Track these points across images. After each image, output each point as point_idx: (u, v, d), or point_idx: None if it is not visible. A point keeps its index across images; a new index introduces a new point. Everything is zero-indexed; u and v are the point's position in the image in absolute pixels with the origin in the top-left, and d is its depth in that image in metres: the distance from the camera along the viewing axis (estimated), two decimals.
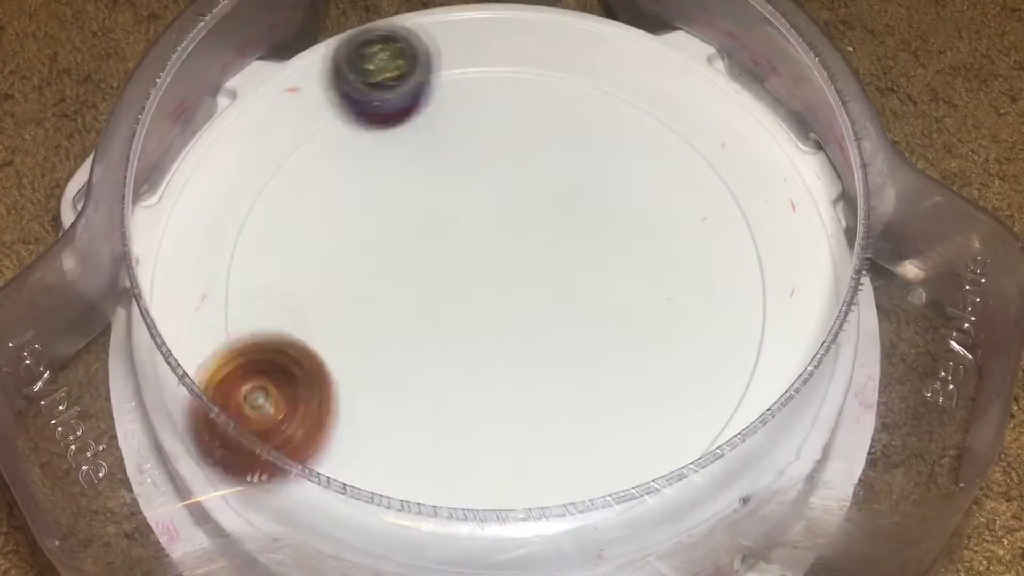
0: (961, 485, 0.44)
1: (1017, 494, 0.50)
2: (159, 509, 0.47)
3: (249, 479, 0.42)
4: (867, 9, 0.64)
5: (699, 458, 0.41)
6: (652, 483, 0.40)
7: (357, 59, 0.52)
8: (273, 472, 0.42)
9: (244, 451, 0.41)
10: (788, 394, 0.42)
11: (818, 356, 0.43)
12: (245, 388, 0.44)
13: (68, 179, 0.55)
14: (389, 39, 0.52)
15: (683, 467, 0.41)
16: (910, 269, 0.49)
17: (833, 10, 0.64)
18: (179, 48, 0.50)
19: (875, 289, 0.51)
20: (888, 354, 0.51)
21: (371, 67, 0.52)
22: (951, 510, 0.45)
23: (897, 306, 0.52)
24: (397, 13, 0.62)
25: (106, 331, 0.51)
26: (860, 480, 0.47)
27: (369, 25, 0.53)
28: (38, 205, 0.57)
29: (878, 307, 0.52)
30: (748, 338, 0.47)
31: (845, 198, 0.51)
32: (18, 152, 0.58)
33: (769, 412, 0.42)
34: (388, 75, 0.52)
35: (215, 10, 0.51)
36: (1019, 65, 0.62)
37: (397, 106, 0.52)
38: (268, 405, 0.43)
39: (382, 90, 0.52)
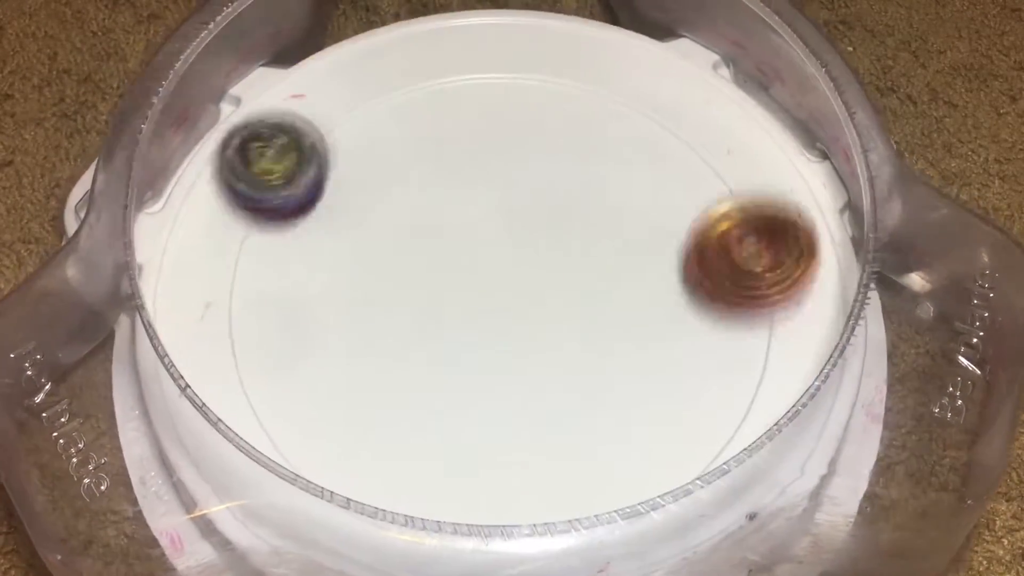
0: (970, 502, 0.43)
1: (1017, 494, 0.50)
2: (163, 521, 0.46)
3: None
4: (867, 9, 0.64)
5: (705, 474, 0.41)
6: (658, 499, 0.40)
7: (242, 159, 0.49)
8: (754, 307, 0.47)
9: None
10: (795, 409, 0.42)
11: (825, 371, 0.43)
12: (748, 240, 0.48)
13: (69, 181, 0.55)
14: (274, 135, 0.49)
15: (689, 483, 0.41)
16: (917, 281, 0.49)
17: (833, 10, 0.64)
18: (183, 55, 0.49)
19: (882, 302, 0.51)
20: (895, 368, 0.51)
21: (257, 168, 0.49)
22: (958, 526, 0.44)
23: (904, 320, 0.51)
24: (397, 15, 0.62)
25: (109, 339, 0.50)
26: (866, 495, 0.47)
27: (251, 117, 0.50)
28: (38, 205, 0.57)
29: (885, 320, 0.51)
30: (753, 350, 0.47)
31: (851, 207, 0.51)
32: (18, 152, 0.58)
33: (776, 427, 0.42)
34: (275, 176, 0.49)
35: (219, 17, 0.50)
36: (1019, 65, 0.62)
37: (288, 205, 0.50)
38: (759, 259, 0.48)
39: (271, 191, 0.49)
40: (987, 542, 0.49)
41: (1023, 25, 0.64)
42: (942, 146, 0.60)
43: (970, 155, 0.59)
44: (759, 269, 0.47)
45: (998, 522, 0.50)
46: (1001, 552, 0.49)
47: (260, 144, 0.49)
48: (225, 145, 0.49)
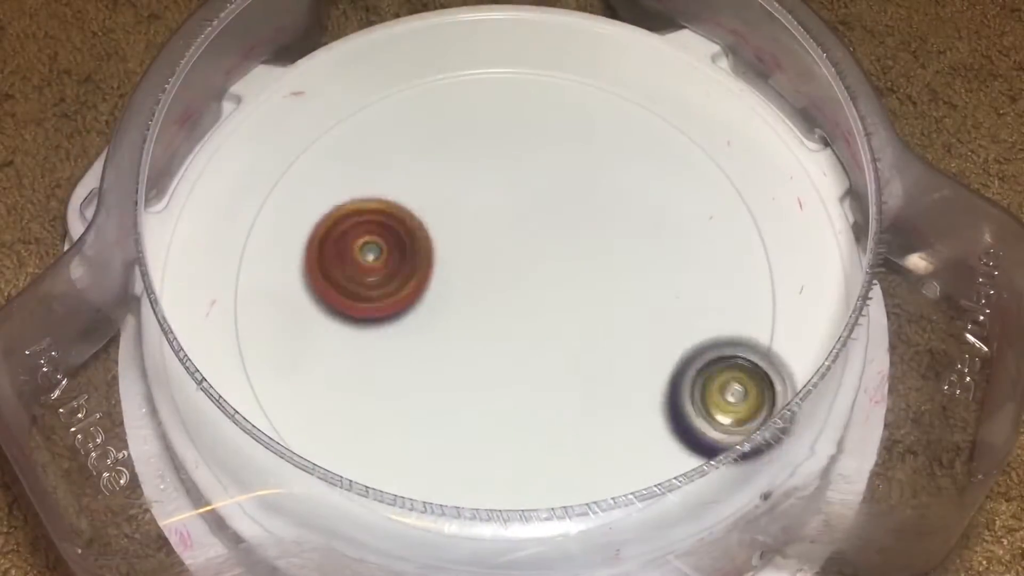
0: (980, 477, 0.44)
1: (1017, 494, 0.50)
2: (172, 517, 0.46)
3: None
4: (867, 9, 0.64)
5: (721, 454, 0.41)
6: (674, 480, 0.40)
7: (700, 382, 0.46)
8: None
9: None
10: (806, 389, 0.42)
11: (835, 351, 0.43)
12: (361, 240, 0.48)
13: (69, 181, 0.55)
14: (745, 366, 0.46)
15: (704, 464, 0.41)
16: (919, 262, 0.49)
17: (833, 10, 0.64)
18: (187, 54, 0.49)
19: (885, 285, 0.51)
20: (901, 348, 0.51)
21: (714, 400, 0.46)
22: (967, 502, 0.45)
23: (907, 300, 0.52)
24: (397, 14, 0.62)
25: (115, 338, 0.50)
26: (876, 473, 0.47)
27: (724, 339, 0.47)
28: (38, 205, 0.56)
29: (887, 302, 0.52)
30: (758, 336, 0.48)
31: (852, 194, 0.51)
32: (18, 152, 0.58)
33: (788, 407, 0.42)
34: (729, 416, 0.45)
35: (221, 15, 0.51)
36: (1019, 65, 0.62)
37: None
38: (376, 259, 0.48)
39: (720, 428, 0.45)
40: (987, 542, 0.49)
41: (1023, 25, 0.64)
42: (942, 146, 0.60)
43: (970, 155, 0.60)
44: (372, 278, 0.48)
45: (998, 522, 0.50)
46: (1001, 552, 0.49)
47: (725, 375, 0.46)
48: (686, 359, 0.47)
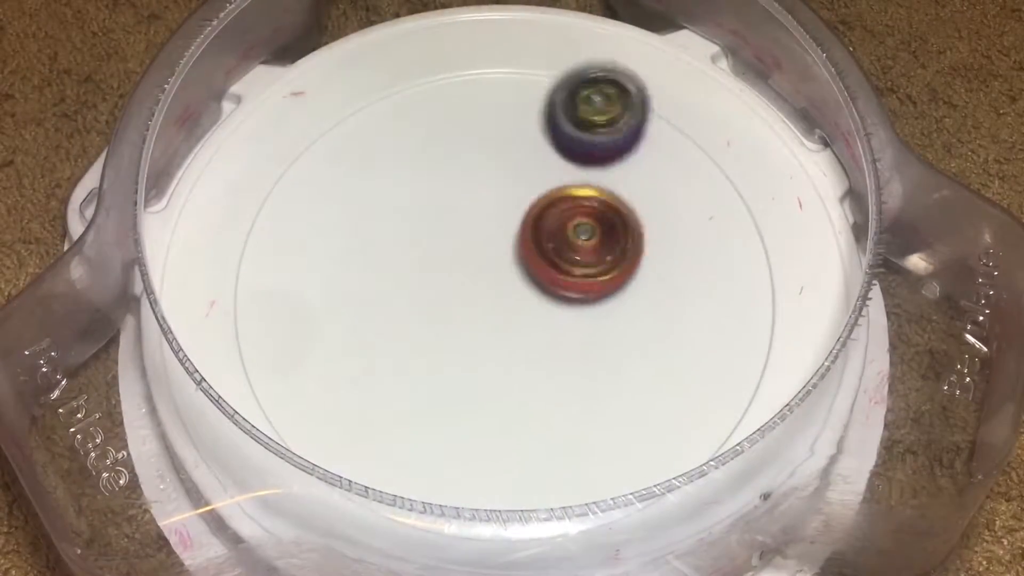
0: (979, 477, 0.44)
1: (1017, 494, 0.50)
2: (172, 517, 0.46)
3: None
4: (867, 9, 0.64)
5: (720, 455, 0.41)
6: (673, 480, 0.40)
7: (571, 102, 0.51)
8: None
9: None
10: (806, 389, 0.42)
11: (835, 351, 0.43)
12: (576, 220, 0.49)
13: (69, 181, 0.55)
14: (605, 81, 0.52)
15: (704, 464, 0.41)
16: (919, 263, 0.50)
17: (833, 10, 0.64)
18: (186, 54, 0.49)
19: (885, 285, 0.51)
20: (901, 348, 0.51)
21: (585, 110, 0.51)
22: (967, 502, 0.45)
23: (906, 300, 0.52)
24: (397, 14, 0.62)
25: (115, 339, 0.50)
26: (876, 473, 0.47)
27: (585, 65, 0.52)
28: (38, 205, 0.56)
29: (886, 302, 0.52)
30: (758, 336, 0.48)
31: (852, 194, 0.51)
32: (18, 152, 0.58)
33: (787, 408, 0.42)
34: (601, 119, 0.51)
35: (220, 15, 0.51)
36: (1019, 65, 0.62)
37: (609, 148, 0.52)
38: (589, 240, 0.49)
39: (594, 133, 0.52)
40: (987, 542, 0.49)
41: (1023, 25, 0.64)
42: (942, 146, 0.60)
43: (970, 155, 0.60)
44: (581, 254, 0.48)
45: (998, 522, 0.50)
46: (1001, 552, 0.49)
47: (589, 90, 0.51)
48: (556, 88, 0.52)
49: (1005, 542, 0.49)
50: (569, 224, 0.48)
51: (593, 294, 0.49)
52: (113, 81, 0.61)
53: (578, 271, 0.48)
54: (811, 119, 0.53)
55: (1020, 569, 0.49)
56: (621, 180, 0.51)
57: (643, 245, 0.49)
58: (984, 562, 0.49)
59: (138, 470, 0.47)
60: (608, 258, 0.48)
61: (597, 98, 0.51)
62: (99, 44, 0.62)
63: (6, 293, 0.54)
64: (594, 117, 0.51)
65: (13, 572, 0.48)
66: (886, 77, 0.62)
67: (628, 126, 0.51)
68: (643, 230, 0.49)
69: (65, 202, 0.53)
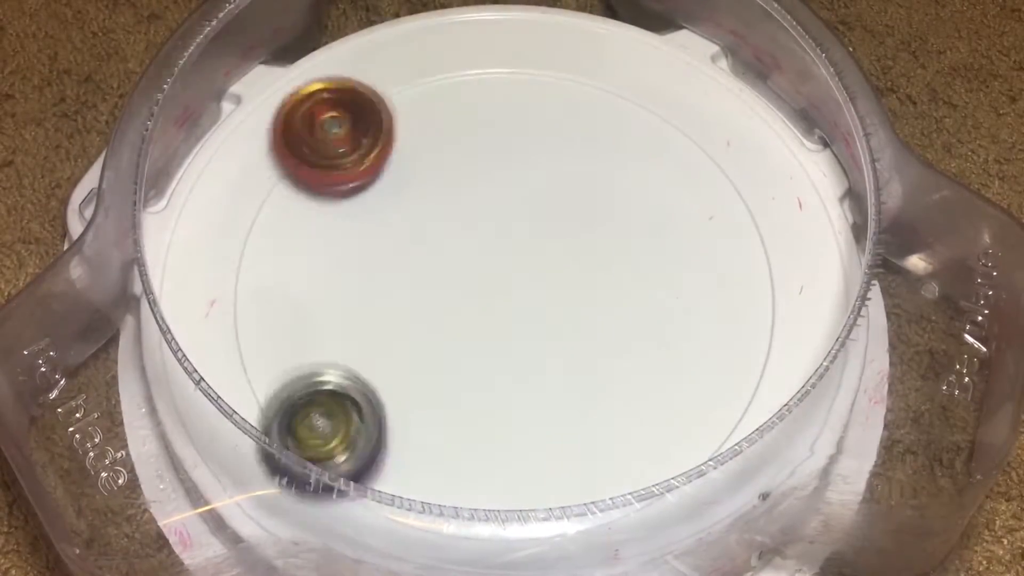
0: (978, 477, 0.44)
1: (1017, 494, 0.50)
2: (171, 517, 0.46)
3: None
4: (867, 9, 0.64)
5: (718, 455, 0.41)
6: (672, 480, 0.40)
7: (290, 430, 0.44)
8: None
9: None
10: (805, 389, 0.42)
11: (833, 351, 0.43)
12: (324, 116, 0.50)
13: (69, 181, 0.55)
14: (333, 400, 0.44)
15: (703, 464, 0.41)
16: (918, 263, 0.50)
17: (833, 10, 0.64)
18: (185, 54, 0.49)
19: (884, 285, 0.51)
20: (901, 348, 0.51)
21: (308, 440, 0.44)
22: (966, 502, 0.45)
23: (906, 301, 0.52)
24: (397, 14, 0.62)
25: (114, 338, 0.50)
26: (875, 474, 0.47)
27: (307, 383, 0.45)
28: (38, 205, 0.56)
29: (886, 302, 0.52)
30: (758, 336, 0.48)
31: (852, 194, 0.51)
32: (18, 152, 0.58)
33: (786, 408, 0.42)
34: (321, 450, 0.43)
35: (220, 15, 0.51)
36: (1019, 65, 0.62)
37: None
38: (340, 132, 0.50)
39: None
40: (987, 542, 0.49)
41: (1023, 25, 0.64)
42: (942, 146, 0.60)
43: (970, 155, 0.59)
44: (340, 150, 0.50)
45: (998, 522, 0.50)
46: (1001, 552, 0.49)
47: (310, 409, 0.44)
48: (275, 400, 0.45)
49: (1005, 542, 0.49)
50: (317, 121, 0.50)
51: (359, 179, 0.51)
52: (113, 81, 0.61)
53: (339, 162, 0.50)
54: (811, 119, 0.53)
55: (1020, 569, 0.49)
56: (620, 179, 0.52)
57: (391, 121, 0.50)
58: (984, 562, 0.49)
59: (137, 470, 0.47)
60: (364, 141, 0.50)
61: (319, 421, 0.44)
62: (99, 44, 0.62)
63: (6, 293, 0.54)
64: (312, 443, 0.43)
65: (13, 572, 0.48)
66: (886, 77, 0.62)
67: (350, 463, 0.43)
68: (385, 105, 0.51)
69: (65, 202, 0.53)
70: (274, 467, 0.43)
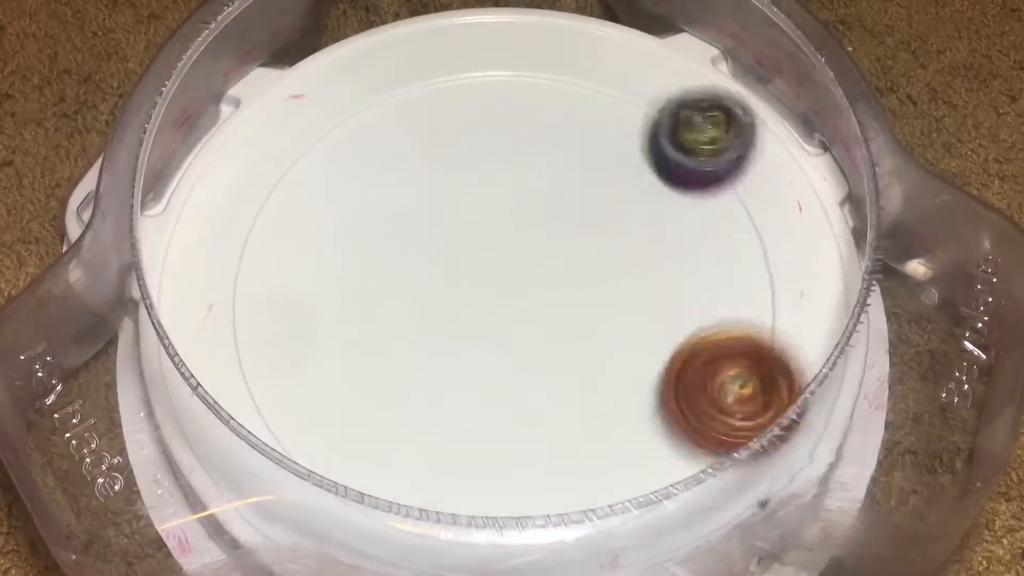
0: (978, 484, 0.44)
1: (1017, 494, 0.50)
2: (169, 522, 0.46)
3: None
4: (867, 9, 0.64)
5: (718, 462, 0.41)
6: (671, 488, 0.40)
7: (676, 125, 0.51)
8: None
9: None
10: (804, 396, 0.42)
11: (833, 358, 0.43)
12: (729, 371, 0.46)
13: (69, 182, 0.55)
14: (713, 108, 0.51)
15: (701, 471, 0.41)
16: (918, 268, 0.49)
17: (833, 10, 0.64)
18: (184, 56, 0.49)
19: (884, 289, 0.51)
20: (900, 354, 0.51)
21: (690, 137, 0.51)
22: (965, 509, 0.45)
23: (906, 306, 0.52)
24: (397, 15, 0.62)
25: (111, 343, 0.50)
26: (874, 481, 0.47)
27: (693, 92, 0.52)
28: (38, 205, 0.56)
29: (886, 307, 0.52)
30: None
31: (851, 199, 0.51)
32: (18, 152, 0.58)
33: (785, 415, 0.42)
34: (706, 147, 0.51)
35: (219, 18, 0.51)
36: (1019, 65, 0.62)
37: (710, 176, 0.51)
38: (744, 390, 0.46)
39: (697, 158, 0.51)
40: (987, 542, 0.49)
41: (1023, 25, 0.64)
42: (942, 146, 0.60)
43: (970, 155, 0.59)
44: (745, 413, 0.45)
45: (998, 522, 0.49)
46: (1001, 552, 0.49)
47: (694, 113, 0.51)
48: (660, 110, 0.52)
49: (1005, 542, 0.49)
50: (720, 378, 0.46)
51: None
52: (113, 81, 0.60)
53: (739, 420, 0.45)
54: (811, 123, 0.53)
55: (1020, 569, 0.49)
56: (621, 182, 0.51)
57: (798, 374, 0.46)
58: (984, 562, 0.49)
59: (135, 475, 0.47)
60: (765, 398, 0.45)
61: (701, 121, 0.51)
62: (99, 44, 0.62)
63: (6, 293, 0.54)
64: (699, 141, 0.51)
65: (13, 572, 0.48)
66: (886, 77, 0.62)
67: (733, 153, 0.51)
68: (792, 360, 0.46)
69: (65, 202, 0.53)
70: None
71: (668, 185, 0.51)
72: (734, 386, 0.45)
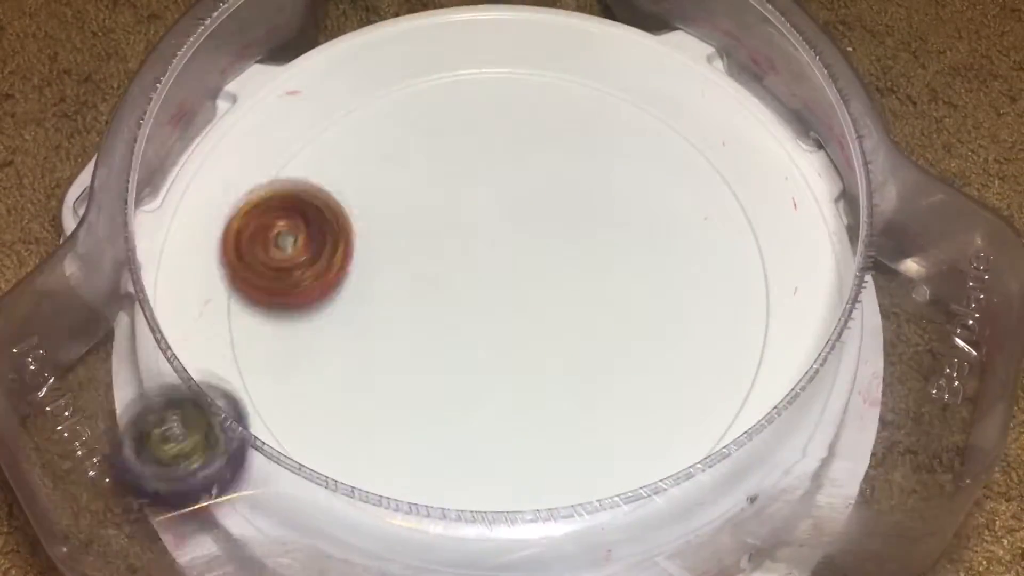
0: (968, 481, 0.44)
1: (1017, 494, 0.50)
2: (163, 515, 0.46)
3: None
4: (867, 9, 0.64)
5: (706, 457, 0.41)
6: (660, 483, 0.40)
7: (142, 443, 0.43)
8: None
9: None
10: (794, 392, 0.42)
11: (823, 354, 0.43)
12: (278, 225, 0.47)
13: (69, 181, 0.55)
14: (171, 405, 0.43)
15: (691, 466, 0.41)
16: (912, 266, 0.50)
17: (833, 10, 0.64)
18: (180, 52, 0.50)
19: (877, 286, 0.51)
20: (891, 351, 0.51)
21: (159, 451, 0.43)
22: (956, 506, 0.44)
23: (900, 303, 0.52)
24: (397, 13, 0.62)
25: (108, 337, 0.50)
26: (866, 477, 0.47)
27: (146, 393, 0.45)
28: (38, 205, 0.57)
29: (881, 305, 0.51)
30: (751, 337, 0.48)
31: (846, 196, 0.51)
32: (18, 152, 0.58)
33: (775, 410, 0.42)
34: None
35: (215, 14, 0.51)
36: (1019, 65, 0.62)
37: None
38: (293, 246, 0.47)
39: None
40: (987, 542, 0.49)
41: (1023, 25, 0.64)
42: (942, 146, 0.60)
43: (970, 155, 0.59)
44: (298, 262, 0.47)
45: (998, 522, 0.49)
46: (1001, 552, 0.49)
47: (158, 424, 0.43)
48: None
49: (1005, 542, 0.49)
50: (269, 237, 0.47)
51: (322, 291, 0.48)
52: (113, 81, 0.61)
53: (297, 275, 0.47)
54: (805, 120, 0.53)
55: (1020, 569, 0.49)
56: (616, 179, 0.52)
57: (348, 224, 0.48)
58: (984, 562, 0.49)
59: None
60: (321, 250, 0.47)
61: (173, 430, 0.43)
62: (99, 44, 0.62)
63: (6, 291, 0.54)
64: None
65: (13, 572, 0.48)
66: (886, 77, 0.62)
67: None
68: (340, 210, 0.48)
69: (63, 200, 0.53)
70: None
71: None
72: (286, 242, 0.47)
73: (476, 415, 0.46)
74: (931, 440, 0.47)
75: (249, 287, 0.48)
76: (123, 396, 0.49)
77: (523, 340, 0.48)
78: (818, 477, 0.45)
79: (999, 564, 0.49)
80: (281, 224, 0.48)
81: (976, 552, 0.49)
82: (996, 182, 0.59)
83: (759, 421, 0.42)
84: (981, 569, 0.48)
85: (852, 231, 0.50)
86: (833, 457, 0.46)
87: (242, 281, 0.48)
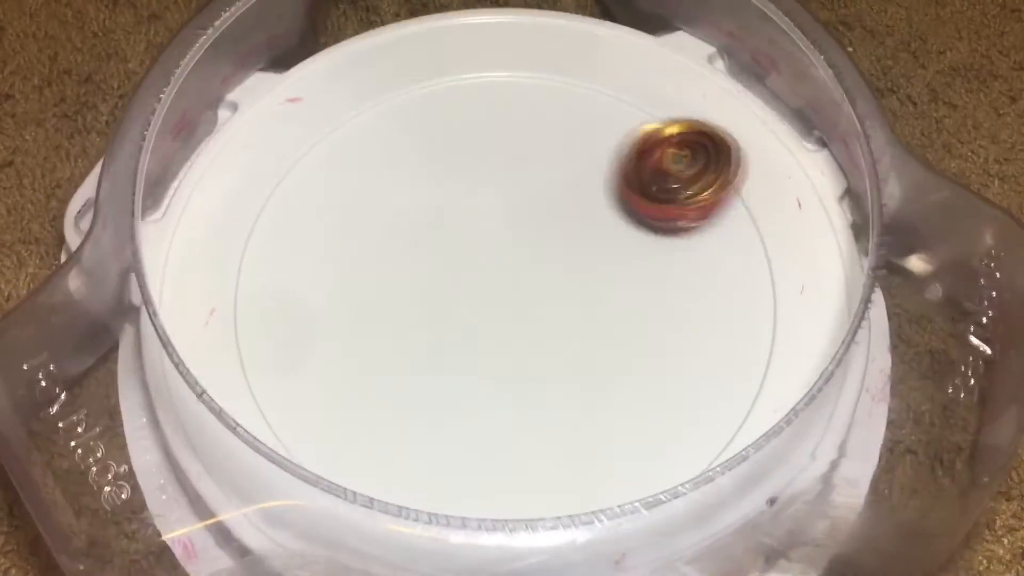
0: (985, 479, 0.44)
1: (1017, 494, 0.50)
2: (176, 529, 0.46)
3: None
4: (867, 10, 0.64)
5: (726, 460, 0.41)
6: (679, 487, 0.40)
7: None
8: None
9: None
10: (811, 393, 0.42)
11: (838, 355, 0.43)
12: (671, 150, 0.50)
13: (70, 181, 0.55)
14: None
15: (710, 469, 0.41)
16: (920, 264, 0.50)
17: (833, 10, 0.64)
18: (182, 63, 0.49)
19: (886, 285, 0.51)
20: (903, 348, 0.51)
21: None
22: (971, 504, 0.45)
23: (906, 301, 0.52)
24: (397, 15, 0.62)
25: (113, 349, 0.50)
26: (880, 477, 0.47)
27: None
28: (38, 205, 0.56)
29: (890, 301, 0.51)
30: (760, 337, 0.48)
31: (850, 194, 0.51)
32: (18, 152, 0.58)
33: (793, 412, 0.42)
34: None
35: (217, 23, 0.51)
36: (1019, 65, 0.62)
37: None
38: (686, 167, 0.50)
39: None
40: (987, 542, 0.49)
41: (1023, 25, 0.64)
42: (942, 146, 0.60)
43: (970, 155, 0.59)
44: (682, 176, 0.50)
45: (998, 522, 0.49)
46: (1001, 552, 0.49)
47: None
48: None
49: (1005, 541, 0.49)
50: (664, 157, 0.50)
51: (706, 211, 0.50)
52: (113, 81, 0.61)
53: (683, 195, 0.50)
54: (808, 120, 0.53)
55: (1020, 569, 0.49)
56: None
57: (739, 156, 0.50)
58: (984, 561, 0.49)
59: (140, 482, 0.47)
60: (709, 176, 0.50)
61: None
62: (99, 44, 0.62)
63: (6, 294, 0.54)
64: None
65: (13, 572, 0.48)
66: (886, 77, 0.62)
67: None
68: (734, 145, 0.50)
69: (65, 202, 0.53)
70: None
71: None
72: (679, 164, 0.50)
73: (488, 422, 0.46)
74: (942, 438, 0.47)
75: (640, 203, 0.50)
76: (129, 407, 0.49)
77: (531, 346, 0.48)
78: (832, 477, 0.45)
79: (999, 563, 0.49)
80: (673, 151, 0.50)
81: (976, 552, 0.49)
82: (996, 182, 0.59)
83: (778, 423, 0.42)
84: (981, 569, 0.48)
85: (857, 229, 0.50)
86: (845, 456, 0.46)
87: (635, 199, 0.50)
